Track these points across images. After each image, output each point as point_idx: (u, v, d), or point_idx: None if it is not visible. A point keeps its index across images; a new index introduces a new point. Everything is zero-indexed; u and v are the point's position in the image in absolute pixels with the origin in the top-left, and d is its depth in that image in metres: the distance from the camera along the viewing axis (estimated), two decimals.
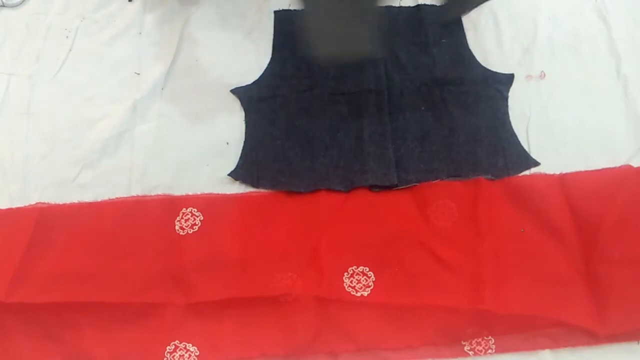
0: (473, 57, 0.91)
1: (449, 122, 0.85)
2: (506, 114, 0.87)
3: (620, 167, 0.82)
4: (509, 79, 0.89)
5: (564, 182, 0.81)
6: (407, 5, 0.95)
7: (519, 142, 0.84)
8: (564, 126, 0.86)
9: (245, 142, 0.85)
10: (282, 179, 0.82)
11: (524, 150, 0.84)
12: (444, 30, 0.93)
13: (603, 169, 0.82)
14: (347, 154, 0.83)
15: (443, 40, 0.92)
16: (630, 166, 0.82)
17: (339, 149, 0.84)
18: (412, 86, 0.88)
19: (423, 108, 0.87)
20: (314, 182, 0.82)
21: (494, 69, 0.90)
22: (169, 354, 0.73)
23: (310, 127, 0.86)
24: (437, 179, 0.81)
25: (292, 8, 0.94)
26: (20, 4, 0.96)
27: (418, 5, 0.95)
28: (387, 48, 0.90)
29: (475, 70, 0.90)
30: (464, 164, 0.83)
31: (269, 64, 0.90)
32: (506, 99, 0.88)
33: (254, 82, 0.89)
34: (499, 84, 0.88)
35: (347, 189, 0.81)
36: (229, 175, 0.83)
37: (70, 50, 0.93)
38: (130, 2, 0.96)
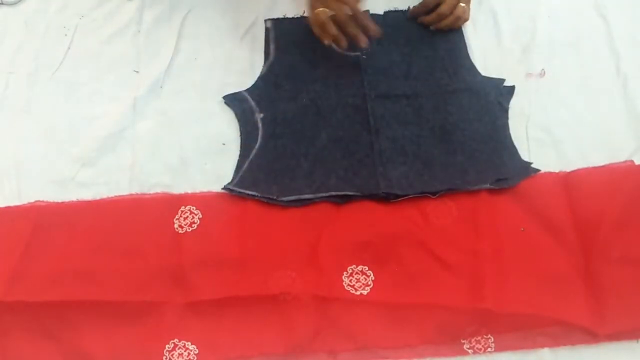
0: (473, 66, 0.89)
1: (447, 135, 0.83)
2: (506, 125, 0.85)
3: (622, 163, 0.82)
4: (509, 90, 0.88)
5: (564, 180, 0.81)
6: (401, 8, 0.94)
7: (518, 154, 0.83)
8: (563, 124, 0.86)
9: (240, 157, 0.84)
10: (276, 191, 0.80)
11: (524, 161, 0.82)
12: (442, 36, 0.91)
13: (605, 165, 0.82)
14: (338, 167, 0.82)
15: (441, 47, 0.91)
16: (632, 162, 0.82)
17: (332, 161, 0.82)
18: (407, 96, 0.86)
19: (418, 118, 0.85)
20: (311, 192, 0.80)
21: (493, 68, 0.89)
22: (168, 353, 0.73)
23: (307, 138, 0.84)
24: (435, 191, 0.80)
25: (284, 16, 0.94)
26: (19, 1, 0.96)
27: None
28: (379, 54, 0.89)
29: (476, 79, 0.88)
30: (461, 177, 0.80)
31: (259, 76, 0.89)
32: (506, 110, 0.86)
33: (246, 90, 0.88)
34: (500, 96, 0.87)
35: (342, 201, 0.80)
36: (222, 189, 0.81)
37: (69, 48, 0.93)
38: (129, 0, 0.96)
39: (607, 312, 0.73)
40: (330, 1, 0.82)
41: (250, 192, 0.80)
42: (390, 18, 0.93)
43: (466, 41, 0.92)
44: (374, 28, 0.83)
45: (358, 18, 0.83)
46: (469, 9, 0.91)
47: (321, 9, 0.82)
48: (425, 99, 0.86)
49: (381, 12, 0.94)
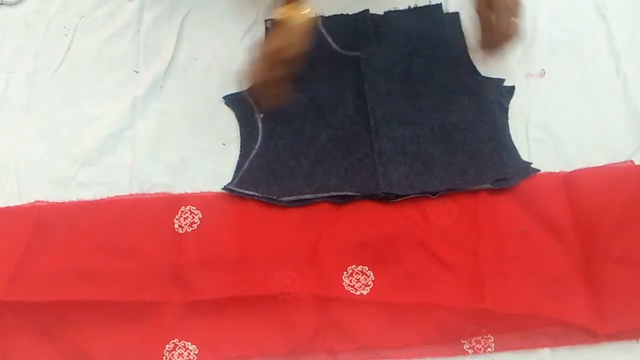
0: (473, 66, 0.89)
1: (447, 134, 0.83)
2: (506, 125, 0.85)
3: (622, 163, 0.82)
4: (509, 90, 0.87)
5: (565, 180, 0.81)
6: (402, 8, 0.94)
7: (518, 154, 0.83)
8: (563, 124, 0.86)
9: (240, 157, 0.84)
10: (276, 192, 0.80)
11: (524, 161, 0.82)
12: (442, 35, 0.91)
13: (605, 166, 0.81)
14: (338, 167, 0.81)
15: (441, 47, 0.90)
16: (632, 162, 0.82)
17: (332, 161, 0.82)
18: (407, 96, 0.86)
19: (418, 118, 0.84)
20: (311, 192, 0.80)
21: (493, 68, 0.89)
22: (168, 353, 0.73)
23: (308, 138, 0.84)
24: (435, 191, 0.80)
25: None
26: (19, 2, 0.96)
27: (413, 8, 0.93)
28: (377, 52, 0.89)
29: (476, 79, 0.88)
30: (461, 177, 0.80)
31: None
32: (506, 110, 0.86)
33: (246, 90, 0.87)
34: (500, 96, 0.87)
35: (343, 201, 0.80)
36: (222, 189, 0.81)
37: (69, 48, 0.93)
38: (129, 0, 0.96)
39: (607, 312, 0.73)
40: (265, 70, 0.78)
41: (250, 192, 0.80)
42: (390, 18, 0.93)
43: (466, 41, 0.92)
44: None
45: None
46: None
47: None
48: (425, 99, 0.86)
49: (381, 12, 0.94)
